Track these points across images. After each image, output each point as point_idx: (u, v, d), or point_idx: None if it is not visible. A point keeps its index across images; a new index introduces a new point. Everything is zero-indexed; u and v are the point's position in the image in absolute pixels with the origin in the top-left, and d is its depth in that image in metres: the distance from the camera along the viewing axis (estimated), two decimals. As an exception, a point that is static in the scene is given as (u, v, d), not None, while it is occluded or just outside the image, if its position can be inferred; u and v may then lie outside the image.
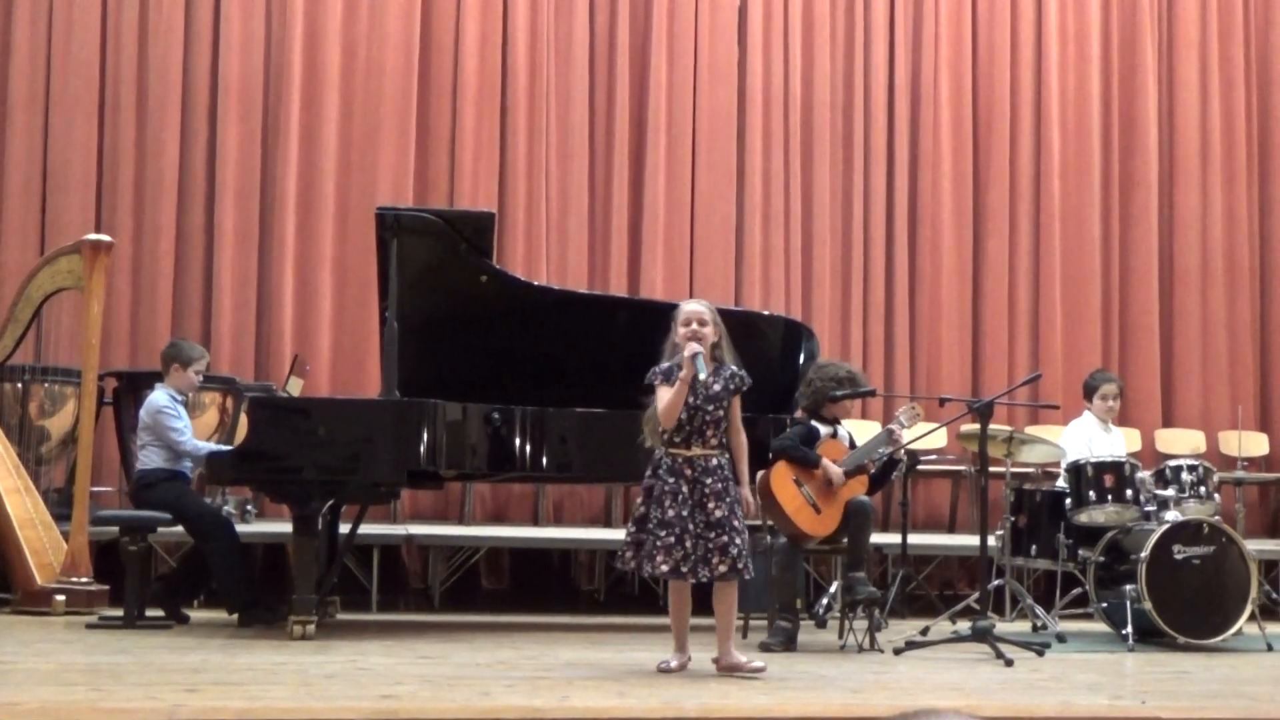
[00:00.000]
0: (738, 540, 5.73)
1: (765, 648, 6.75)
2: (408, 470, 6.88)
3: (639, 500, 5.88)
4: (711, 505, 5.73)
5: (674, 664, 5.90)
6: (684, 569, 5.70)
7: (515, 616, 8.31)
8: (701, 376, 5.71)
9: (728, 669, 5.83)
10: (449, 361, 7.37)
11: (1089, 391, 8.44)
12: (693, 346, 5.73)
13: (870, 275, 10.80)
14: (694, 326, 5.82)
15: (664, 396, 5.79)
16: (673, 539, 5.69)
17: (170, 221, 9.85)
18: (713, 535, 5.71)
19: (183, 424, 7.47)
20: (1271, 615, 8.06)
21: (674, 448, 5.81)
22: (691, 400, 5.78)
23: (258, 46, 10.08)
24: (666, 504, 5.73)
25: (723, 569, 5.73)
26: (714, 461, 5.81)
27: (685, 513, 5.71)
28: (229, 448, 7.47)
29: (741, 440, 5.99)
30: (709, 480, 5.76)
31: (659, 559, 5.69)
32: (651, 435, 5.89)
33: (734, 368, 5.95)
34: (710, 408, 5.81)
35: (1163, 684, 6.06)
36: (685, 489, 5.74)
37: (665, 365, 5.87)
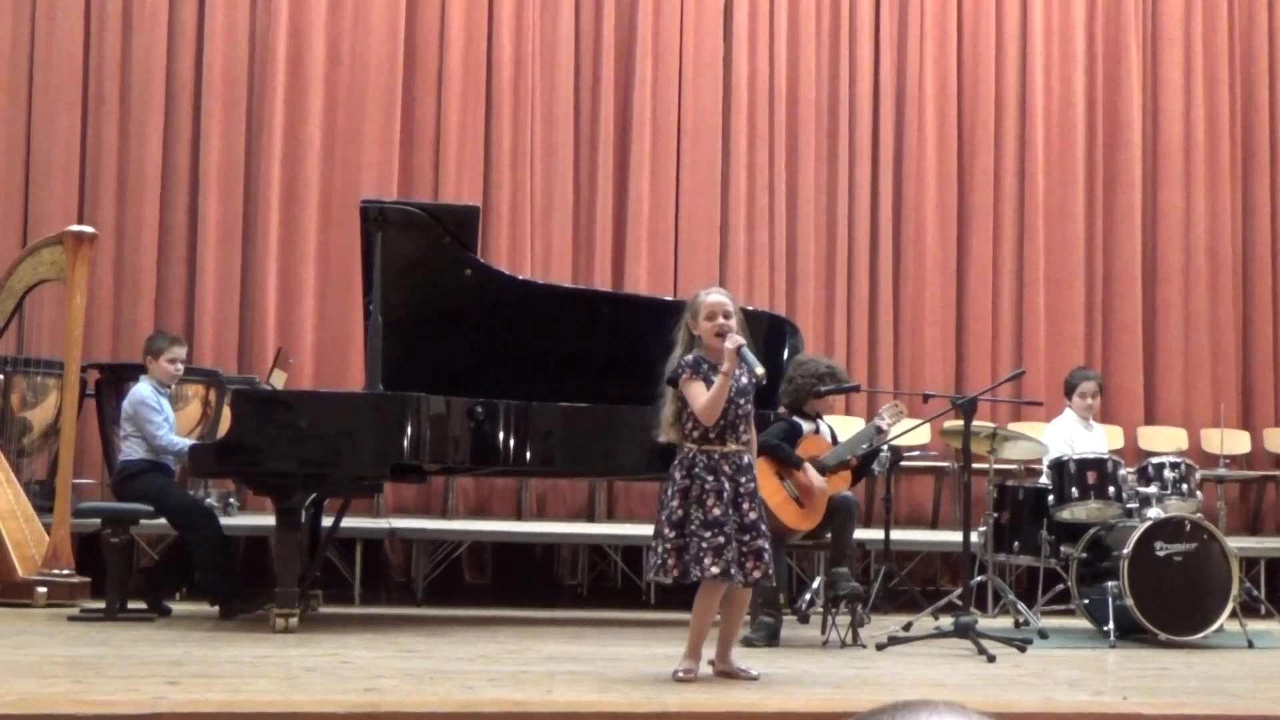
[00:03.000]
0: (768, 545, 5.50)
1: (748, 643, 6.74)
2: (391, 464, 6.87)
3: (674, 504, 5.43)
4: (746, 506, 5.46)
5: (693, 674, 5.53)
6: (733, 571, 5.38)
7: (498, 611, 8.31)
8: (759, 371, 5.38)
9: (724, 673, 5.65)
10: (433, 355, 7.35)
11: (1069, 389, 8.48)
12: (735, 339, 5.36)
13: (854, 272, 10.82)
14: (720, 320, 5.45)
15: (698, 391, 5.41)
16: (721, 539, 5.35)
17: (153, 214, 9.82)
18: (747, 538, 5.44)
19: (161, 418, 7.45)
20: (1252, 612, 8.10)
21: (708, 444, 5.47)
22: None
23: (242, 39, 10.05)
24: (710, 503, 5.39)
25: (757, 574, 5.47)
26: (745, 459, 5.52)
27: (731, 511, 5.41)
28: (197, 443, 7.47)
29: (752, 437, 5.75)
30: (743, 479, 5.48)
31: (707, 561, 5.34)
32: (668, 430, 5.57)
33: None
34: (742, 401, 5.51)
35: (1144, 680, 6.08)
36: (727, 486, 5.44)
37: (691, 357, 5.50)
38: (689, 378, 5.45)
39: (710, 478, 5.42)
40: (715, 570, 5.34)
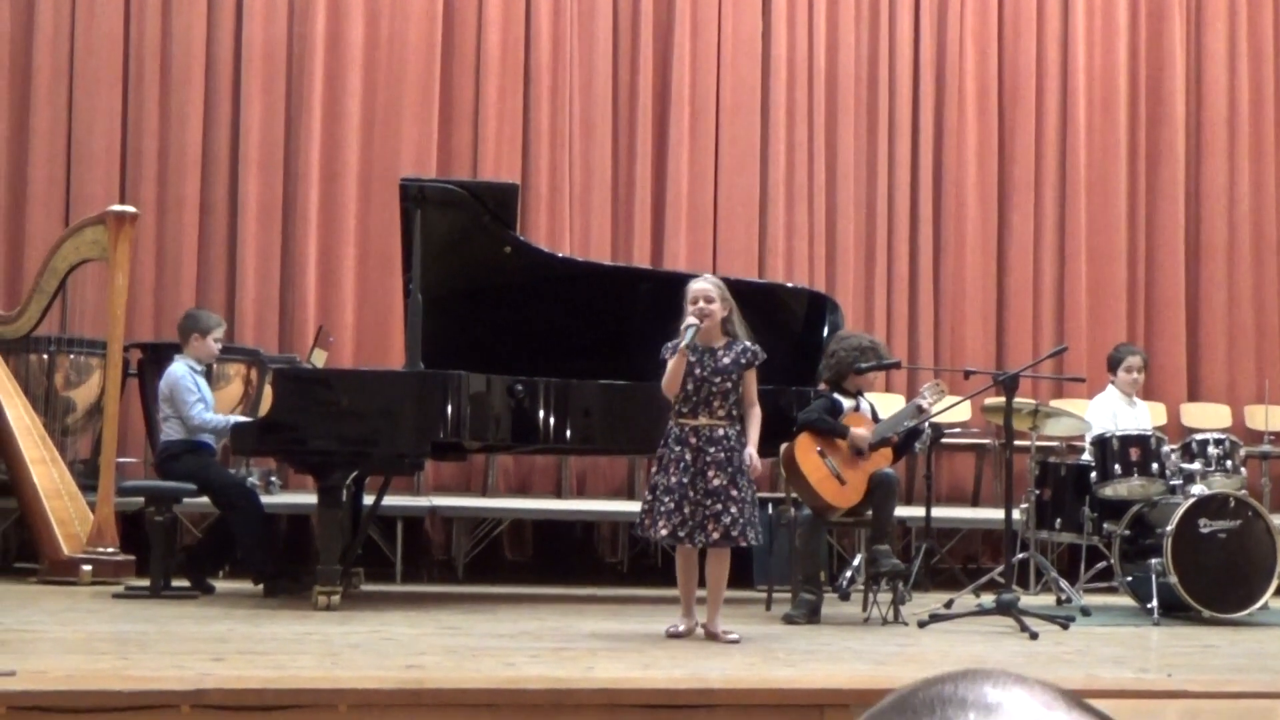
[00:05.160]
0: (733, 509, 5.92)
1: (789, 620, 6.75)
2: (431, 442, 6.89)
3: (654, 469, 6.14)
4: (711, 474, 5.94)
5: (681, 628, 6.10)
6: (681, 534, 5.95)
7: (538, 588, 8.33)
8: (683, 344, 5.88)
9: (710, 636, 6.08)
10: (472, 333, 7.36)
11: (1113, 364, 8.41)
12: (687, 319, 5.94)
13: (894, 248, 10.76)
14: (700, 305, 5.99)
15: (669, 368, 6.01)
16: (673, 505, 5.92)
17: (194, 193, 9.85)
18: (709, 503, 5.92)
19: (195, 397, 7.48)
20: (1297, 589, 8.03)
21: (682, 417, 6.04)
22: (699, 372, 5.98)
23: (280, 17, 10.06)
24: (670, 470, 5.98)
25: (715, 536, 5.96)
26: (720, 432, 6.00)
27: (686, 479, 5.92)
28: (237, 419, 7.50)
29: (755, 413, 6.15)
30: (711, 449, 5.96)
31: (660, 524, 5.97)
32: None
33: (746, 343, 6.10)
34: (717, 380, 6.00)
35: (1188, 657, 6.05)
36: (689, 456, 5.95)
37: (674, 341, 6.05)
38: (667, 357, 6.04)
39: (677, 448, 6.00)
40: (664, 532, 6.01)
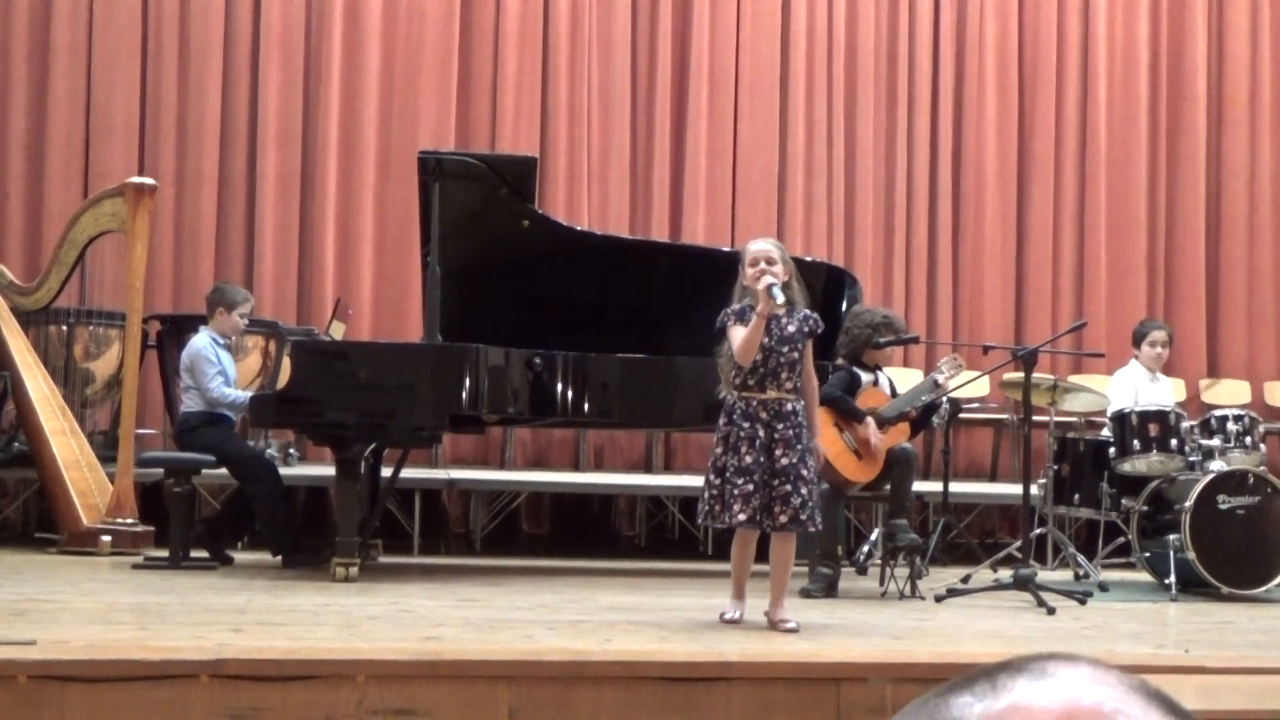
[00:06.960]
0: (803, 491, 5.52)
1: (806, 594, 6.75)
2: (449, 414, 6.89)
3: (718, 450, 5.60)
4: (779, 452, 5.51)
5: (736, 614, 5.70)
6: (759, 517, 5.51)
7: (555, 561, 8.35)
8: (780, 300, 5.41)
9: (771, 625, 5.66)
10: (491, 306, 7.37)
11: (1137, 339, 8.37)
12: (766, 279, 5.43)
13: (913, 223, 10.72)
14: (763, 265, 5.51)
15: (738, 335, 5.52)
16: (751, 486, 5.48)
17: (213, 166, 9.86)
18: (776, 484, 5.51)
19: (214, 370, 7.51)
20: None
21: (748, 391, 5.57)
22: (766, 341, 5.53)
23: (299, -9, 10.05)
24: (743, 450, 5.51)
25: (783, 519, 5.53)
26: (788, 406, 5.56)
27: (762, 459, 5.50)
28: (255, 394, 7.53)
29: (813, 385, 5.77)
30: (780, 426, 5.53)
31: (736, 508, 5.48)
32: (725, 381, 5.65)
33: (806, 310, 5.72)
34: (785, 349, 5.57)
35: (1206, 634, 6.04)
36: (761, 433, 5.52)
37: (737, 306, 5.62)
38: (733, 324, 5.59)
39: (746, 424, 5.54)
40: (742, 517, 5.49)
